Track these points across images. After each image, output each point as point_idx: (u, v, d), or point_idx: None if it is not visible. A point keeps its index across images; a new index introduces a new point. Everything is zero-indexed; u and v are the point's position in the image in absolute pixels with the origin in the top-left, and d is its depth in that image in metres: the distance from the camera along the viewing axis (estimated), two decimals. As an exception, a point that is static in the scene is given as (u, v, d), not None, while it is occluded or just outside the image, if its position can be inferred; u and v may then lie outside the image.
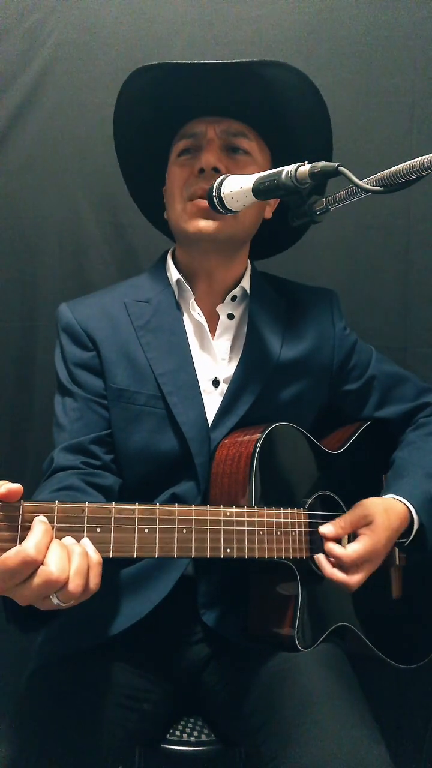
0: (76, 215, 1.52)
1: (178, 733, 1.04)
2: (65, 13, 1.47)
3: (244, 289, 1.14)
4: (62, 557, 0.70)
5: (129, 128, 1.14)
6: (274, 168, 1.07)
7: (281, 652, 0.96)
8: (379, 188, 0.76)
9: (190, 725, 1.06)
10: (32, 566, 0.69)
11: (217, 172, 1.02)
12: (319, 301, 1.21)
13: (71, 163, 1.49)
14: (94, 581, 0.73)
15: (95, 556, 0.74)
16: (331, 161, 1.10)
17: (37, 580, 0.69)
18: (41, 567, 0.69)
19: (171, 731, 1.04)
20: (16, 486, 0.71)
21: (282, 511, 0.95)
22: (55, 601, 0.71)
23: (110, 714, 0.93)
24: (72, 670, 0.96)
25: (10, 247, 1.52)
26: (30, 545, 0.69)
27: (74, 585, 0.70)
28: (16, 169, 1.50)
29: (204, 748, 1.02)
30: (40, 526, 0.71)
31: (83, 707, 0.92)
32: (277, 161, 1.12)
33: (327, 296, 1.22)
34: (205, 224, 1.04)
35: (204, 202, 1.02)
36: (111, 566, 1.02)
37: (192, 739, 1.03)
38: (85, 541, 0.75)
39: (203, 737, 1.04)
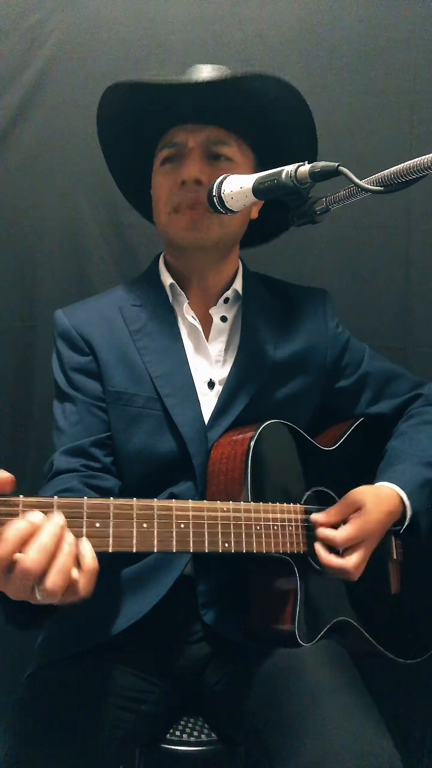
0: (76, 215, 1.52)
1: (178, 733, 1.04)
2: (65, 13, 1.47)
3: (236, 291, 1.15)
4: (43, 548, 0.67)
5: (112, 136, 1.15)
6: (259, 169, 1.08)
7: (282, 650, 0.97)
8: (379, 188, 0.76)
9: (190, 725, 1.06)
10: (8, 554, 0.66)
11: (199, 183, 1.03)
12: (311, 300, 1.22)
13: (71, 163, 1.49)
14: (86, 588, 0.71)
15: (91, 563, 0.72)
16: (316, 158, 1.11)
17: (16, 570, 0.67)
18: (19, 556, 0.67)
19: (171, 731, 1.04)
20: (6, 475, 0.70)
21: (278, 506, 0.96)
22: (38, 595, 0.68)
23: (110, 714, 0.93)
24: (71, 671, 0.96)
25: (10, 247, 1.52)
26: (9, 534, 0.67)
27: (51, 582, 0.67)
28: (16, 169, 1.50)
29: (204, 748, 1.02)
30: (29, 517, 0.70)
31: (83, 708, 0.92)
32: (262, 161, 1.13)
33: (319, 295, 1.23)
34: (191, 234, 1.06)
35: (189, 213, 1.04)
36: (111, 566, 1.02)
37: (192, 739, 1.03)
38: (85, 547, 0.72)
39: (203, 737, 1.04)
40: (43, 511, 0.71)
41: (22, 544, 0.67)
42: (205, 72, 1.06)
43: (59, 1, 1.47)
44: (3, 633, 1.51)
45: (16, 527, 0.67)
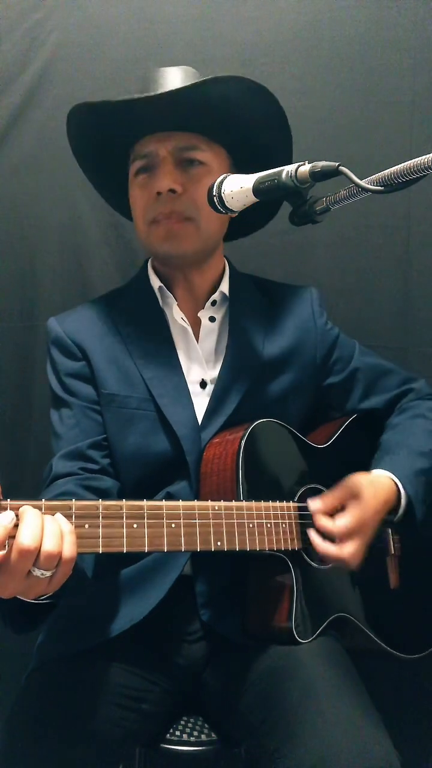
0: (76, 215, 1.52)
1: (178, 733, 1.04)
2: (65, 13, 1.47)
3: (223, 293, 1.16)
4: (32, 527, 0.70)
5: (86, 152, 1.16)
6: (235, 169, 1.08)
7: (280, 648, 0.97)
8: (379, 188, 0.76)
9: (190, 725, 1.06)
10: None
11: (174, 193, 1.04)
12: (299, 298, 1.22)
13: (71, 163, 1.48)
14: (69, 549, 0.73)
15: (67, 526, 0.74)
16: (291, 155, 1.11)
17: (13, 555, 0.68)
18: (15, 542, 0.69)
19: (171, 731, 1.04)
20: None
21: (271, 503, 0.96)
22: (37, 572, 0.70)
23: (109, 713, 0.94)
24: (71, 670, 0.96)
25: (10, 247, 1.52)
26: None
27: (49, 545, 0.70)
28: (16, 169, 1.50)
29: (204, 748, 1.02)
30: (10, 512, 0.71)
31: (82, 707, 0.92)
32: (237, 161, 1.13)
33: (307, 293, 1.23)
34: (170, 246, 1.07)
35: (166, 223, 1.05)
36: (109, 569, 1.02)
37: (192, 739, 1.03)
38: (58, 515, 0.75)
39: (203, 737, 1.04)
40: None
41: (9, 535, 0.69)
42: (171, 76, 1.06)
43: (59, 1, 1.47)
44: (3, 633, 1.51)
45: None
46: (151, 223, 1.08)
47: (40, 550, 0.70)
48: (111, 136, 1.10)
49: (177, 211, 1.05)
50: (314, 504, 0.97)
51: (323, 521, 0.95)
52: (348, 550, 0.93)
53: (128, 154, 1.12)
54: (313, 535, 0.95)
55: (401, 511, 1.03)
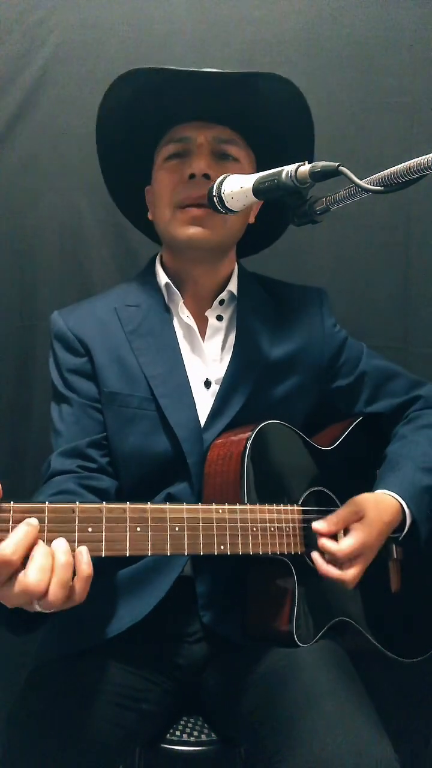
0: (76, 215, 1.52)
1: (178, 733, 1.04)
2: (65, 13, 1.47)
3: (231, 293, 1.15)
4: (43, 568, 0.69)
5: (114, 129, 1.15)
6: (259, 171, 1.09)
7: (281, 650, 0.97)
8: (379, 188, 0.76)
9: (190, 725, 1.06)
10: (8, 567, 0.68)
11: (207, 178, 1.04)
12: (308, 299, 1.22)
13: (71, 163, 1.49)
14: (80, 594, 0.73)
15: (86, 570, 0.74)
16: (313, 160, 1.12)
17: (16, 588, 0.68)
18: (20, 576, 0.69)
19: (171, 731, 1.04)
20: None
21: (275, 507, 0.95)
22: (37, 607, 0.71)
23: (109, 713, 0.93)
24: (71, 670, 0.96)
25: (10, 247, 1.52)
26: (8, 545, 0.69)
27: (54, 596, 0.70)
28: (16, 169, 1.50)
29: (204, 748, 1.02)
30: (23, 527, 0.71)
31: (82, 707, 0.92)
32: (261, 165, 1.13)
33: (316, 294, 1.23)
34: (195, 232, 1.05)
35: (194, 211, 1.04)
36: (108, 568, 1.02)
37: (192, 739, 1.03)
38: (81, 552, 0.74)
39: (203, 737, 1.04)
40: (36, 517, 0.72)
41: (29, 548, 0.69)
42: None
43: (59, 1, 1.47)
44: (3, 633, 1.51)
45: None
46: (176, 207, 1.07)
47: (46, 593, 0.69)
48: (147, 115, 1.09)
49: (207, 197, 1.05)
50: (318, 524, 0.96)
51: (326, 543, 0.94)
52: (350, 573, 0.93)
53: (152, 145, 1.12)
54: (315, 555, 0.95)
55: (406, 530, 1.02)
